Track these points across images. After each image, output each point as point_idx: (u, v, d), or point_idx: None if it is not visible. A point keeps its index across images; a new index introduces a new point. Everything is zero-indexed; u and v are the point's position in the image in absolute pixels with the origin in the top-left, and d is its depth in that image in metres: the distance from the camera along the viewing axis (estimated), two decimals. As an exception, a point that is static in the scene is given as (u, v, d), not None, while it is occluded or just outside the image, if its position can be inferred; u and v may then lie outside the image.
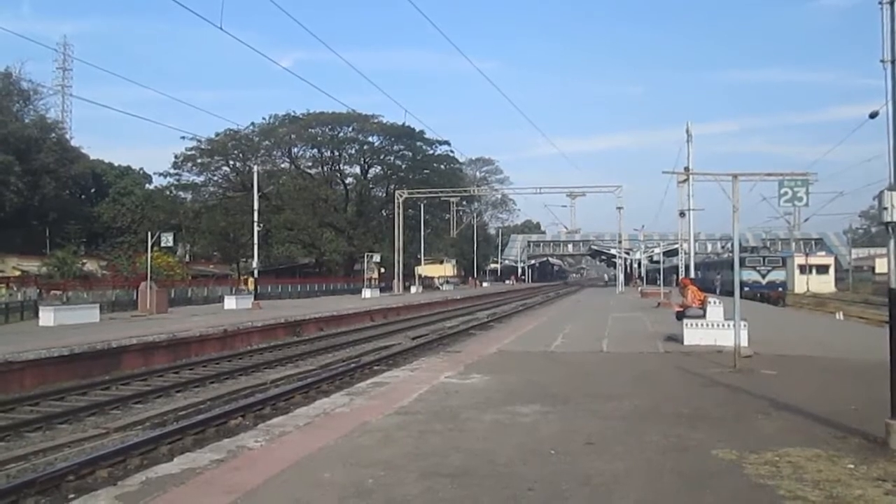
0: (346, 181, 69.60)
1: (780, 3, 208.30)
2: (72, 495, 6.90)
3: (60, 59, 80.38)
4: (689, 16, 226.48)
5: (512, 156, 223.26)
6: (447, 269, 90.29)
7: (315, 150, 67.10)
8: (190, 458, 6.28)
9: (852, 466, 5.56)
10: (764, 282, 44.11)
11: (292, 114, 64.37)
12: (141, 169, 69.55)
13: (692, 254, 40.04)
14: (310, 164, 68.68)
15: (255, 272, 39.99)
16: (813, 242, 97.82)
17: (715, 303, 16.03)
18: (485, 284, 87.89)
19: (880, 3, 6.59)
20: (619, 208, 57.19)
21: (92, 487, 6.90)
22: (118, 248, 51.43)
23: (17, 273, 41.50)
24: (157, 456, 8.63)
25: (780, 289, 44.99)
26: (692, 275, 34.57)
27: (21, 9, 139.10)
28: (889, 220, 6.23)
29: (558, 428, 7.10)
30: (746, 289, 38.16)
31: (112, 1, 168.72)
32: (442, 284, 75.60)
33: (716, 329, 14.27)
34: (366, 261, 55.96)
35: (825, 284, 63.69)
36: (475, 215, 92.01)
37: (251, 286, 37.53)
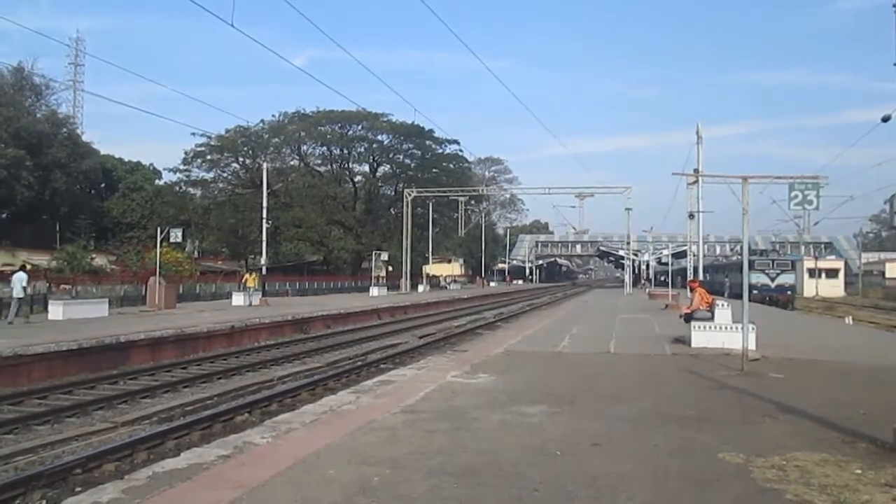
0: (355, 179, 69.56)
1: (793, 6, 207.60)
2: (79, 488, 6.93)
3: (72, 55, 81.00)
4: (703, 17, 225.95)
5: (521, 156, 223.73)
6: (455, 268, 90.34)
7: (324, 148, 67.09)
8: (196, 453, 6.31)
9: (860, 471, 5.52)
10: (773, 285, 43.84)
11: (302, 111, 64.42)
12: (151, 164, 69.96)
13: (701, 256, 39.99)
14: (319, 161, 68.74)
15: (264, 269, 40.10)
16: (823, 246, 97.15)
17: (723, 305, 15.95)
18: (492, 284, 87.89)
19: (894, 6, 6.55)
20: (628, 209, 57.09)
21: (99, 481, 6.93)
22: (127, 243, 51.63)
23: (28, 267, 41.64)
24: (163, 451, 8.69)
25: (789, 292, 44.70)
26: (701, 277, 34.51)
27: (40, 6, 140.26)
28: (900, 224, 6.20)
29: (564, 429, 7.09)
30: (755, 292, 37.92)
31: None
32: (449, 284, 75.57)
33: (723, 332, 14.20)
34: (373, 259, 56.00)
35: (835, 288, 63.43)
36: (483, 215, 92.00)
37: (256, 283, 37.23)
